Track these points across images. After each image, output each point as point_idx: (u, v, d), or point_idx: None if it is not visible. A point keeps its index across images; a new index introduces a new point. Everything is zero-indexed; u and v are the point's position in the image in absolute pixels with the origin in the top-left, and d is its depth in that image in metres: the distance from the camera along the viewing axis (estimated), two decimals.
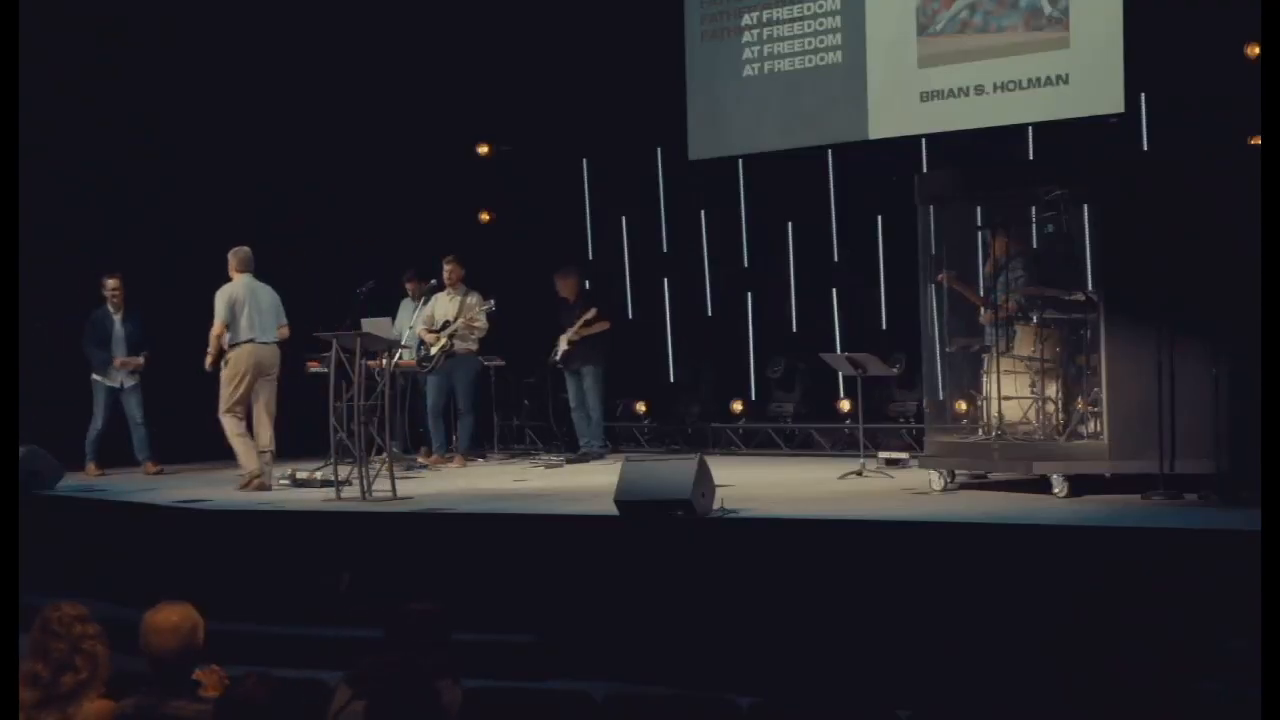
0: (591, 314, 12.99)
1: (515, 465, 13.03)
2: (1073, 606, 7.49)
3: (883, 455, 11.74)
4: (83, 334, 12.80)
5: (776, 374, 14.18)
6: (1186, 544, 7.65)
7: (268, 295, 11.35)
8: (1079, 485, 9.28)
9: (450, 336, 12.77)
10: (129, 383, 12.76)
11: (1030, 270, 10.09)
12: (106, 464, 12.95)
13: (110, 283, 12.75)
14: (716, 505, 8.98)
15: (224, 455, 13.28)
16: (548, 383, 14.12)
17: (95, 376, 12.74)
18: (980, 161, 12.57)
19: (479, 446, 13.63)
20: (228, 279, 11.62)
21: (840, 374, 13.14)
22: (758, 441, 14.01)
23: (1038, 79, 12.66)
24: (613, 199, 15.21)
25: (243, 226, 14.14)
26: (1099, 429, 9.43)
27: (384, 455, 10.60)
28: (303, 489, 11.03)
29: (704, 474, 8.89)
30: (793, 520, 8.89)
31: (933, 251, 10.61)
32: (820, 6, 13.85)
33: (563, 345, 13.06)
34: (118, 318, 12.77)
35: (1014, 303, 10.07)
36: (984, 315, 10.40)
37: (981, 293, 10.51)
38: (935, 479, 9.99)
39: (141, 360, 12.74)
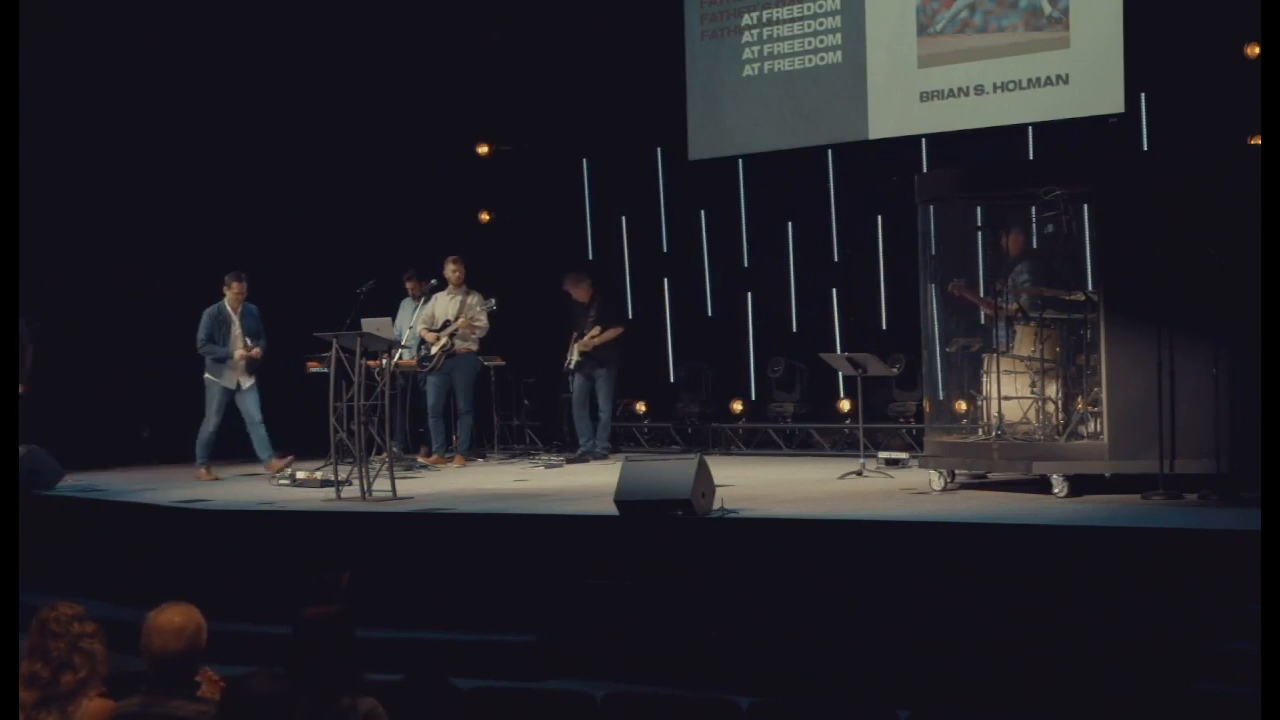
0: (598, 332, 12.96)
1: (515, 465, 13.03)
2: (1072, 606, 7.49)
3: (883, 455, 11.74)
4: (199, 331, 12.20)
5: (776, 374, 14.18)
6: (1186, 544, 7.64)
7: None
8: (1079, 485, 9.27)
9: (451, 336, 12.77)
10: (245, 383, 12.20)
11: (1035, 271, 10.09)
12: (114, 463, 12.95)
13: (236, 286, 12.23)
14: (716, 505, 8.98)
15: (224, 455, 13.36)
16: (548, 383, 14.11)
17: (209, 376, 12.20)
18: (980, 161, 12.56)
19: (479, 446, 13.63)
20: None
21: (840, 374, 13.15)
22: (758, 441, 14.01)
23: (1038, 79, 12.67)
24: (613, 199, 15.21)
25: (243, 226, 14.20)
26: (1099, 429, 9.42)
27: (384, 455, 10.60)
28: (303, 489, 11.02)
29: (704, 474, 8.89)
30: (792, 520, 8.89)
31: (933, 251, 10.61)
32: (820, 6, 13.86)
33: (575, 356, 13.04)
34: (236, 315, 12.21)
35: (1017, 303, 10.07)
36: (986, 316, 10.41)
37: (983, 290, 10.51)
38: (935, 479, 9.99)
39: (258, 351, 12.16)
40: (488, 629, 8.62)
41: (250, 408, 12.27)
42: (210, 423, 12.26)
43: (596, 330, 12.98)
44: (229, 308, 12.24)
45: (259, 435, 12.30)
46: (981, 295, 10.47)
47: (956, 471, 10.07)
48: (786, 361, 14.13)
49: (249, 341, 12.19)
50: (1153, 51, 11.97)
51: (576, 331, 13.13)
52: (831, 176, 14.10)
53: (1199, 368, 8.82)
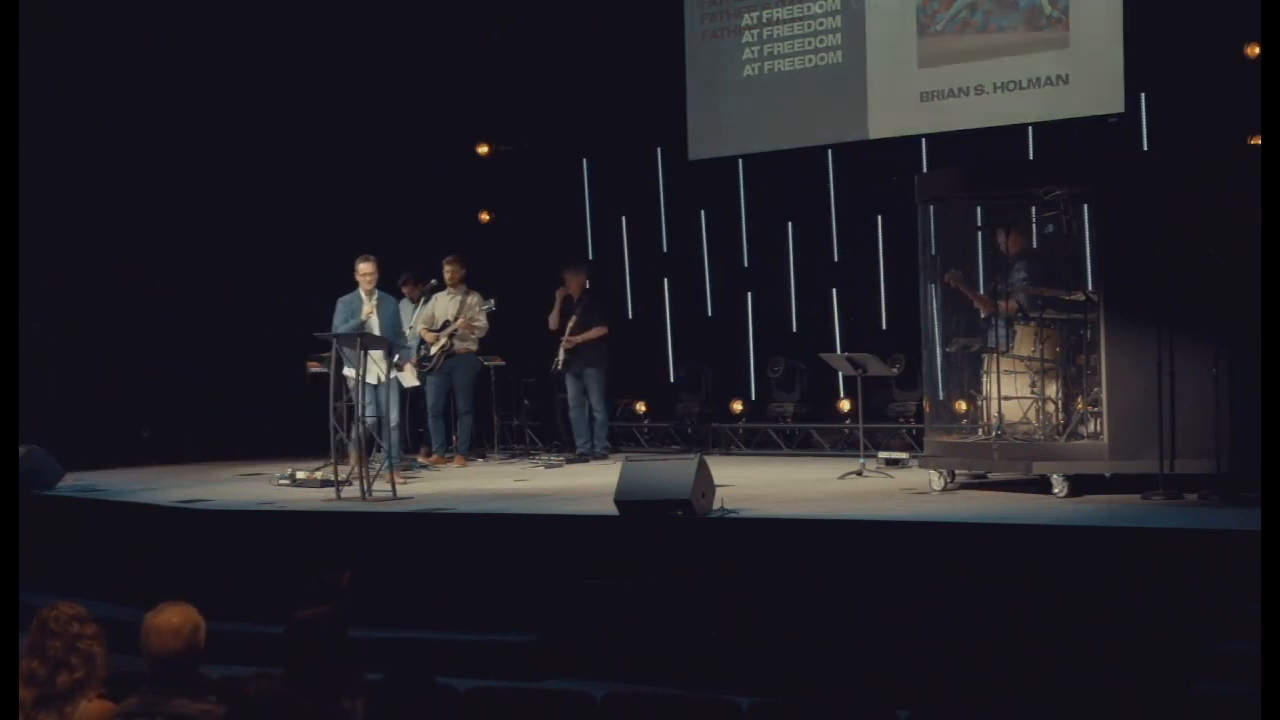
0: (572, 323, 12.93)
1: (515, 465, 13.03)
2: (1072, 606, 7.49)
3: (883, 455, 11.73)
4: (334, 321, 11.26)
5: (776, 374, 14.18)
6: (1186, 544, 7.64)
7: None
8: (1079, 485, 9.27)
9: (450, 336, 12.77)
10: (384, 377, 10.98)
11: (1032, 270, 10.10)
12: (114, 463, 12.93)
13: (363, 267, 11.29)
14: (716, 505, 8.98)
15: (225, 454, 13.38)
16: (548, 383, 14.11)
17: (346, 371, 10.84)
18: (980, 161, 12.56)
19: (479, 446, 13.63)
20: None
21: (840, 374, 13.14)
22: (758, 441, 14.01)
23: (1038, 79, 12.66)
24: (613, 199, 15.21)
25: (244, 226, 14.21)
26: (1099, 429, 9.42)
27: (383, 455, 10.59)
28: (303, 489, 11.01)
29: (704, 474, 8.89)
30: (792, 520, 8.89)
31: (933, 251, 10.61)
32: (820, 6, 13.85)
33: (561, 354, 13.03)
34: (372, 303, 11.31)
35: (1014, 303, 10.08)
36: (983, 315, 10.42)
37: (982, 289, 10.51)
38: (935, 479, 9.99)
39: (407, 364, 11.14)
40: (488, 629, 8.62)
41: (387, 406, 11.09)
42: (365, 419, 10.95)
43: (573, 321, 12.94)
44: (363, 293, 11.29)
45: (394, 437, 11.12)
46: (979, 292, 10.47)
47: (956, 471, 10.07)
48: (786, 361, 14.13)
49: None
50: (1153, 51, 11.97)
51: (558, 328, 13.11)
52: (831, 176, 14.10)
53: (1199, 368, 8.82)
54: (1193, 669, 6.91)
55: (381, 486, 10.35)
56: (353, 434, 10.70)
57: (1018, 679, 7.28)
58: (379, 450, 10.80)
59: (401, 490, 10.43)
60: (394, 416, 11.04)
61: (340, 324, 11.22)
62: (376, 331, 10.96)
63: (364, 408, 10.69)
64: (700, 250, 14.88)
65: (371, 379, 10.94)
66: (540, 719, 5.99)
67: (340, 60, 14.41)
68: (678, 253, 15.02)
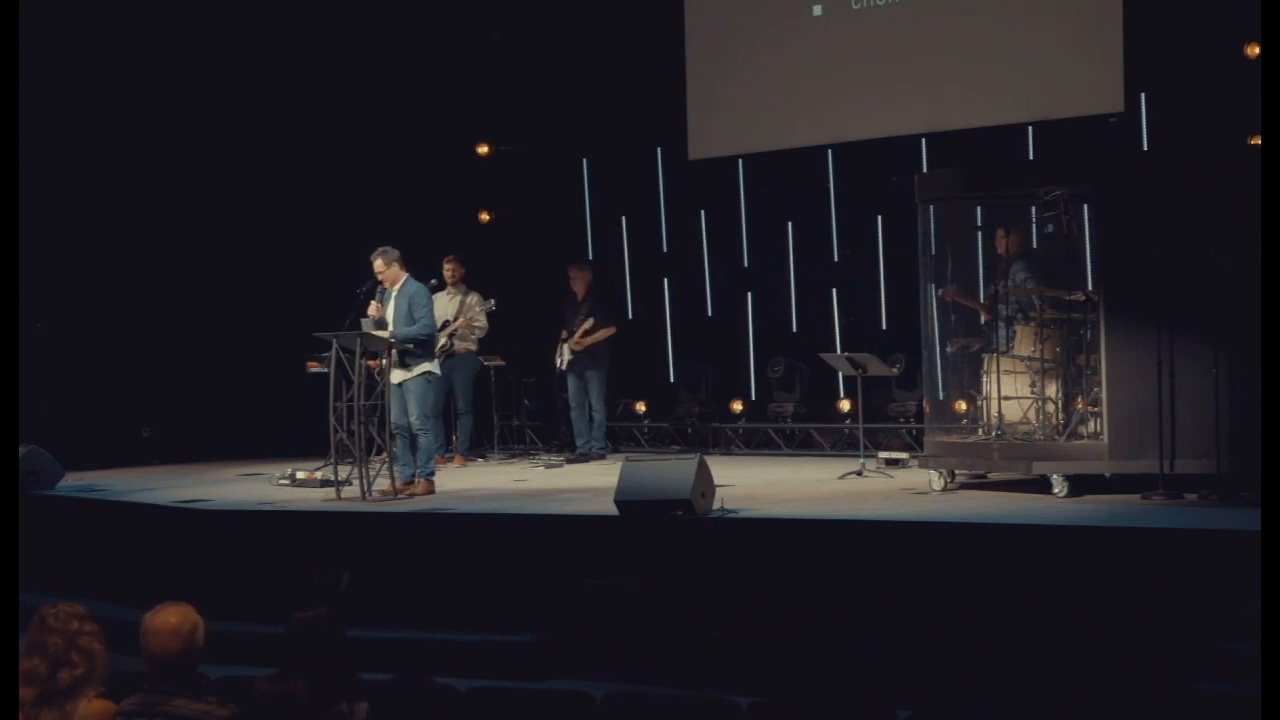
0: (589, 325, 12.96)
1: (515, 465, 13.03)
2: (1072, 606, 7.50)
3: (883, 455, 11.74)
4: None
5: (776, 374, 14.18)
6: (1186, 544, 7.65)
7: None
8: (1079, 485, 9.28)
9: (450, 336, 12.77)
10: (396, 377, 10.49)
11: (1032, 270, 10.10)
12: (114, 463, 12.92)
13: (378, 263, 10.68)
14: (716, 505, 8.98)
15: (225, 453, 13.37)
16: (548, 383, 14.12)
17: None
18: (980, 161, 12.55)
19: (479, 446, 13.63)
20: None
21: (840, 374, 13.15)
22: (758, 441, 14.01)
23: (1039, 79, 12.64)
24: (613, 199, 15.21)
25: (244, 226, 14.21)
26: (1099, 429, 9.43)
27: (384, 455, 10.59)
28: (303, 489, 11.02)
29: (704, 474, 8.89)
30: (792, 520, 8.89)
31: (933, 251, 10.61)
32: (821, 7, 13.81)
33: (567, 354, 13.04)
34: (392, 295, 10.69)
35: (1017, 304, 10.07)
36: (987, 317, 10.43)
37: (982, 292, 10.51)
38: (935, 479, 9.99)
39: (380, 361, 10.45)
40: (488, 629, 8.62)
41: (408, 408, 10.56)
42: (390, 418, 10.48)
43: (589, 324, 12.96)
44: (387, 286, 10.70)
45: (418, 442, 10.59)
46: (981, 299, 10.47)
47: (956, 471, 10.07)
48: (786, 361, 14.13)
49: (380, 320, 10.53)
50: (1153, 51, 11.96)
51: (566, 330, 13.13)
52: (831, 176, 14.10)
53: (1199, 368, 8.83)
54: (1193, 669, 6.92)
55: (382, 486, 10.36)
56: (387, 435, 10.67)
57: (1018, 679, 7.28)
58: (379, 451, 10.80)
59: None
60: (414, 419, 10.56)
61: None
62: (390, 329, 10.60)
63: (388, 408, 10.59)
64: (700, 250, 14.88)
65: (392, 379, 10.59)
66: (540, 719, 6.00)
67: (341, 60, 14.40)
68: (678, 253, 15.02)
